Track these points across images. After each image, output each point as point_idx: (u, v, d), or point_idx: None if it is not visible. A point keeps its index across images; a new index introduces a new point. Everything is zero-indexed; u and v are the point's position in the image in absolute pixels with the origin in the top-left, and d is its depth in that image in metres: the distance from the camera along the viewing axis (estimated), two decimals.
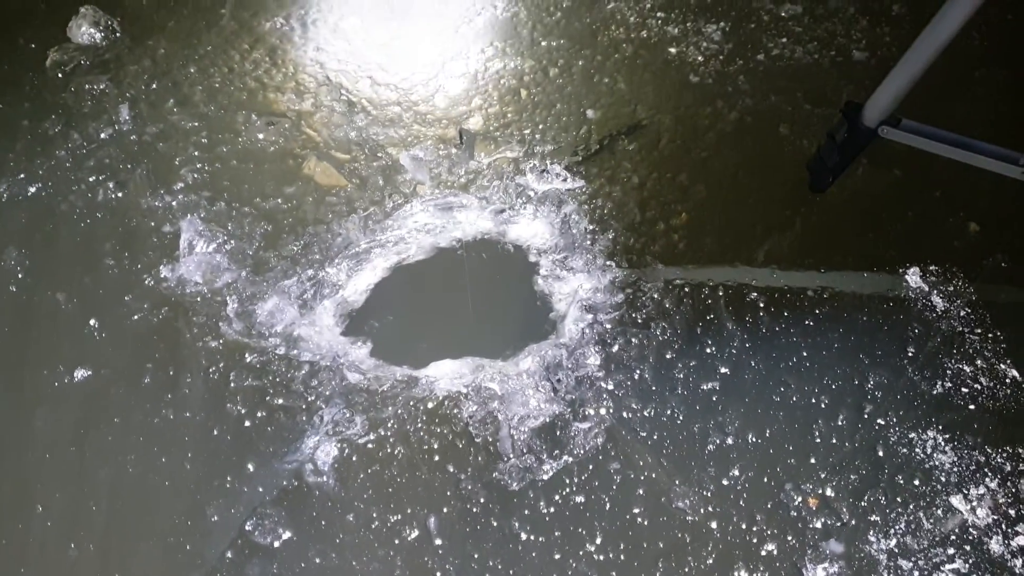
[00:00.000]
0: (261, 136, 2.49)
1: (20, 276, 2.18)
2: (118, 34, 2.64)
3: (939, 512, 1.81)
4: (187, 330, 2.10)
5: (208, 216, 2.30)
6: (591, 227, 2.31)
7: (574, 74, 2.62)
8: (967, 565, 1.75)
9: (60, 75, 2.54)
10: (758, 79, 2.62)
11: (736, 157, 2.48)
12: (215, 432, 1.94)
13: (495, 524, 1.81)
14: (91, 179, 2.38)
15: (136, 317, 2.12)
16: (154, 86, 2.54)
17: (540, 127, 2.51)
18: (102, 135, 2.47)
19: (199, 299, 2.15)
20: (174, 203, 2.33)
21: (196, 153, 2.44)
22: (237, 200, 2.34)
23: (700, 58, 2.66)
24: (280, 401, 1.99)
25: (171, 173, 2.39)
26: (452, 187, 2.40)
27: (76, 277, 2.20)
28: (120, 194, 2.35)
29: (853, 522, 1.80)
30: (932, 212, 2.33)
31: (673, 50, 2.68)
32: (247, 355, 2.06)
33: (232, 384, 2.01)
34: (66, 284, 2.18)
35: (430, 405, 1.99)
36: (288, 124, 2.51)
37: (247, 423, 1.96)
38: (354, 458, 1.91)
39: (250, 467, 1.89)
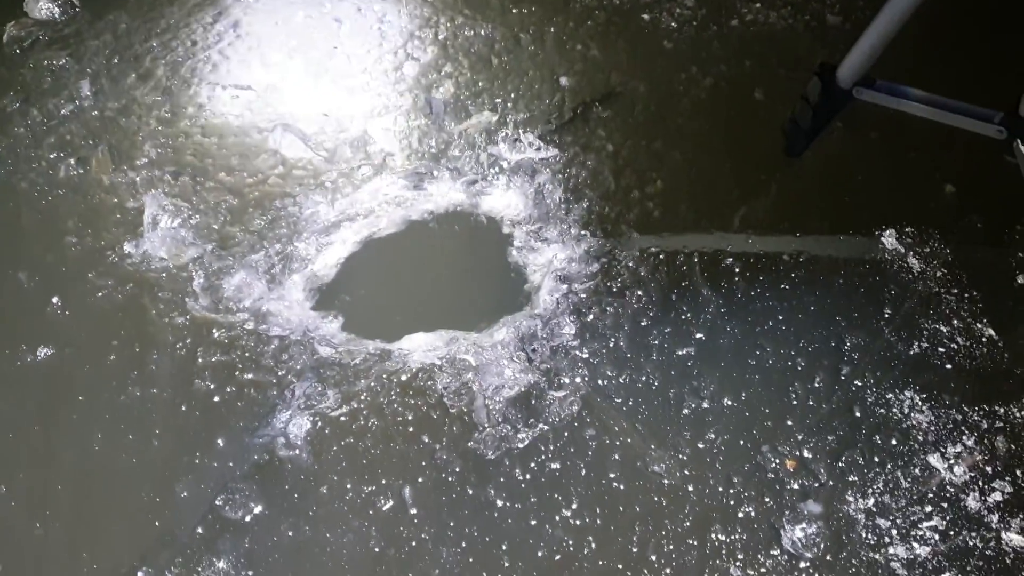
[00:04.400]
0: (225, 110, 2.44)
1: None
2: (77, 8, 2.59)
3: (917, 471, 1.80)
4: (153, 306, 2.06)
5: (172, 191, 2.25)
6: (565, 197, 2.28)
7: (546, 41, 2.58)
8: (944, 522, 1.73)
9: (18, 51, 2.48)
10: (732, 45, 2.59)
11: (711, 123, 2.45)
12: (183, 408, 1.91)
13: (471, 492, 1.79)
14: (51, 156, 2.33)
15: (100, 294, 2.08)
16: (115, 61, 2.49)
17: (512, 95, 2.47)
18: (62, 111, 2.41)
19: (164, 275, 2.11)
20: (137, 179, 2.28)
21: (159, 128, 2.39)
22: (202, 174, 2.29)
23: (674, 24, 2.63)
24: (250, 376, 1.95)
25: (134, 148, 2.34)
26: (423, 158, 2.36)
27: (38, 255, 2.15)
28: (82, 171, 2.30)
29: (831, 483, 1.79)
30: (908, 174, 2.31)
31: (647, 16, 2.65)
32: (215, 331, 2.02)
33: (200, 360, 1.97)
34: (28, 262, 2.13)
35: (404, 377, 1.95)
36: (253, 97, 2.46)
37: (216, 398, 1.92)
38: (327, 431, 1.88)
39: (220, 442, 1.86)
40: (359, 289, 2.14)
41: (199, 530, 1.74)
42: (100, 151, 2.33)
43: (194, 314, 2.05)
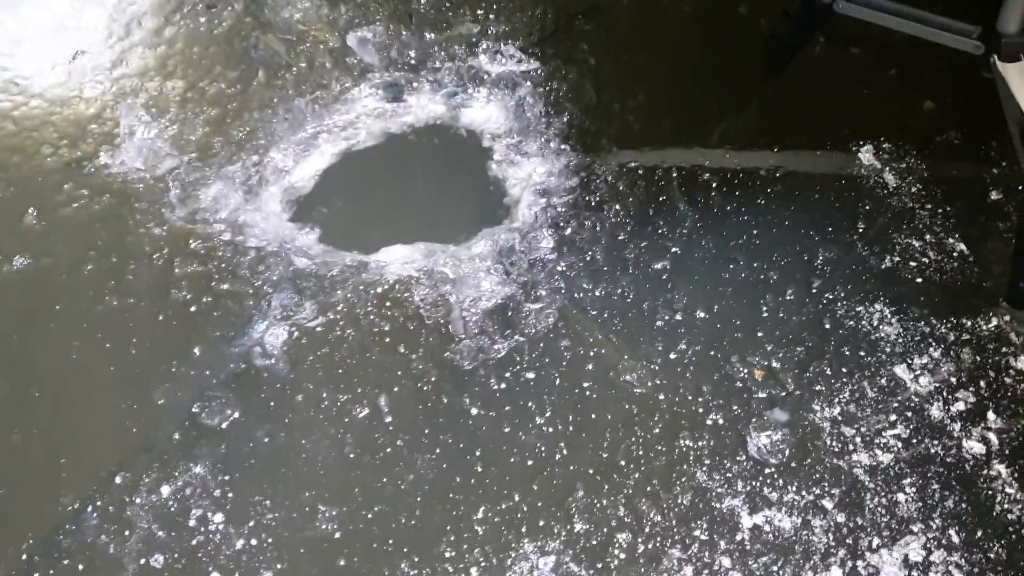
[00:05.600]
0: (203, 20, 2.40)
1: None
2: None
3: (883, 382, 1.83)
4: (130, 217, 2.05)
5: (149, 101, 2.23)
6: (546, 110, 2.27)
7: None
8: (908, 430, 1.77)
9: None
10: None
11: (695, 38, 2.43)
12: (160, 318, 1.92)
13: (446, 401, 1.82)
14: (25, 64, 2.29)
15: (76, 205, 2.07)
16: None
17: (494, 6, 2.43)
18: (37, 20, 2.37)
19: (141, 186, 2.10)
20: (113, 88, 2.26)
21: (137, 37, 2.35)
22: (179, 84, 2.27)
23: None
24: (226, 287, 1.96)
25: (111, 57, 2.31)
26: (402, 69, 2.33)
27: (13, 166, 2.14)
28: (56, 80, 2.26)
29: (798, 392, 1.82)
30: (888, 90, 2.30)
31: None
32: (191, 241, 2.02)
33: (177, 270, 1.98)
34: (3, 173, 2.12)
35: (380, 289, 1.97)
36: (231, 7, 2.42)
37: (193, 308, 1.93)
38: (303, 341, 1.89)
39: (197, 351, 1.88)
40: (336, 201, 2.14)
41: (176, 436, 1.77)
42: (76, 60, 2.30)
43: (171, 224, 2.04)
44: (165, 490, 1.70)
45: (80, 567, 1.62)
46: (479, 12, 2.43)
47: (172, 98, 2.24)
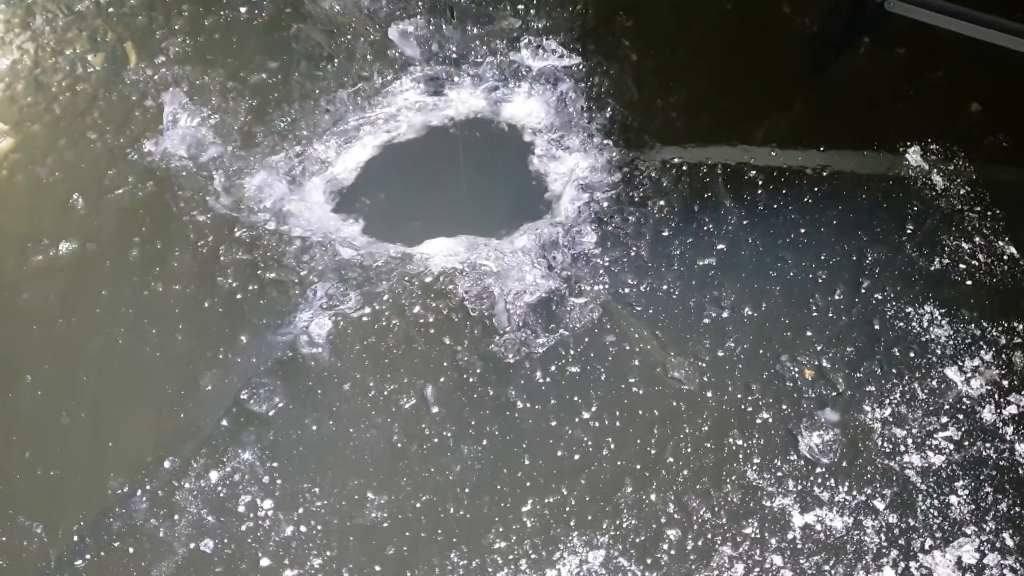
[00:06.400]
0: (244, 9, 2.40)
1: None
2: None
3: (934, 383, 1.82)
4: (173, 204, 2.05)
5: (192, 90, 2.23)
6: (588, 105, 2.26)
7: None
8: (960, 433, 1.76)
9: None
10: None
11: (736, 35, 2.42)
12: (206, 305, 1.91)
13: (491, 393, 1.81)
14: (69, 52, 2.29)
15: (120, 191, 2.07)
16: None
17: (535, 1, 2.42)
18: (78, 7, 2.37)
19: (184, 173, 2.10)
20: (156, 76, 2.26)
21: (178, 26, 2.35)
22: (222, 74, 2.26)
23: None
24: (272, 275, 1.96)
25: (153, 46, 2.31)
26: (443, 63, 2.33)
27: (58, 151, 2.14)
28: (102, 67, 2.27)
29: (848, 392, 1.81)
30: (934, 91, 2.28)
31: None
32: (236, 229, 2.02)
33: (222, 258, 1.98)
34: (48, 158, 2.12)
35: (426, 280, 1.96)
36: None
37: (239, 296, 1.93)
38: (349, 331, 1.89)
39: (243, 339, 1.87)
40: (379, 193, 2.14)
41: (224, 422, 1.77)
42: (119, 48, 2.30)
43: (216, 212, 2.04)
44: (214, 475, 1.69)
45: (130, 550, 1.62)
46: (520, 7, 2.43)
47: (213, 88, 2.24)
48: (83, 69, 2.27)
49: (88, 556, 1.61)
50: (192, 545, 1.62)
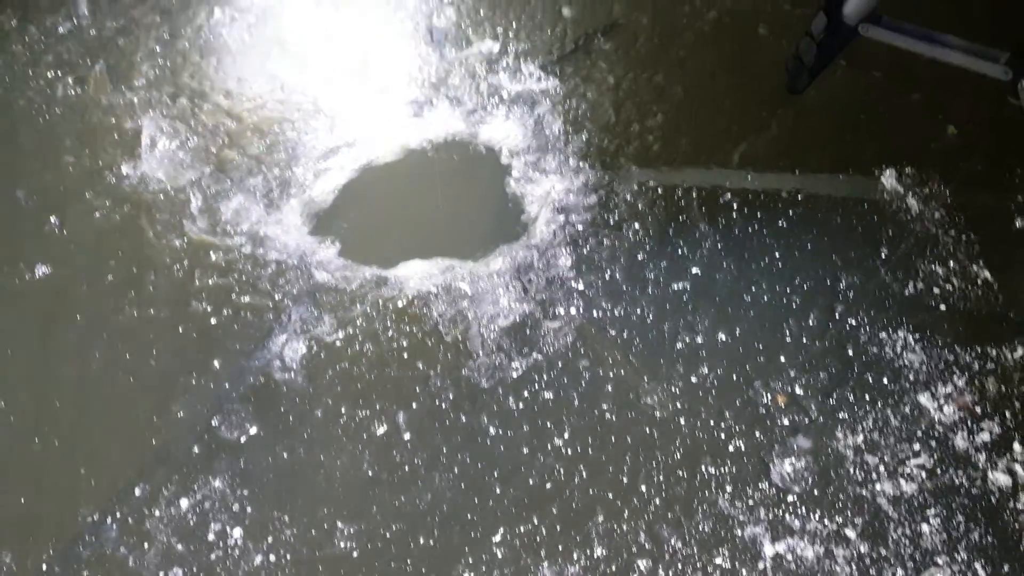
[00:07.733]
0: (224, 32, 2.40)
1: None
2: None
3: (907, 410, 1.82)
4: (150, 228, 2.05)
5: (170, 113, 2.23)
6: (565, 128, 2.26)
7: None
8: (932, 460, 1.76)
9: None
10: None
11: (714, 58, 2.42)
12: (180, 329, 1.91)
13: (464, 420, 1.81)
14: (49, 75, 2.30)
15: (98, 215, 2.07)
16: None
17: (514, 24, 2.43)
18: (60, 29, 2.38)
19: (162, 196, 2.10)
20: (135, 99, 2.26)
21: (157, 48, 2.36)
22: (200, 97, 2.27)
23: None
24: (247, 299, 1.96)
25: (132, 69, 2.31)
26: (422, 86, 2.33)
27: (36, 174, 2.14)
28: (79, 90, 2.27)
29: (821, 419, 1.81)
30: (910, 115, 2.29)
31: None
32: (212, 253, 2.02)
33: (197, 282, 1.98)
34: (25, 181, 2.12)
35: (400, 304, 1.96)
36: (252, 20, 2.42)
37: (213, 320, 1.93)
38: (323, 355, 1.89)
39: (216, 364, 1.87)
40: (356, 215, 2.14)
41: (195, 449, 1.76)
42: (98, 71, 2.30)
43: (191, 236, 2.04)
44: (184, 503, 1.69)
45: None
46: (499, 29, 2.44)
47: (192, 110, 2.24)
48: (62, 91, 2.26)
49: None
50: (161, 573, 1.62)
